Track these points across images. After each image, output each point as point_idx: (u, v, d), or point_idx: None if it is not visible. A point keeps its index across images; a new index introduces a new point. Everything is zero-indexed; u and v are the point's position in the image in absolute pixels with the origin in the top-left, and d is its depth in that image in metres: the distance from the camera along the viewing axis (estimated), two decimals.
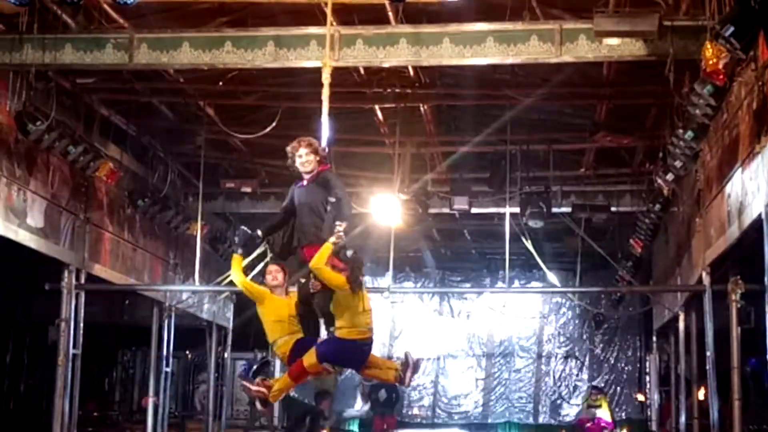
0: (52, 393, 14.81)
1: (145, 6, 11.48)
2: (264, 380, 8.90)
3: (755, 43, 9.57)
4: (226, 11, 12.48)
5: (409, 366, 8.91)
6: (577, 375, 26.83)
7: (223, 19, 12.52)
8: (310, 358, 8.53)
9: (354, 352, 8.71)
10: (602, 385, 25.41)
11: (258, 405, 9.00)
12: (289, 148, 8.77)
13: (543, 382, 26.94)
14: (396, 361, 9.26)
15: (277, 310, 8.85)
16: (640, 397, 25.51)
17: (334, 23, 11.46)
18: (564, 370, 26.99)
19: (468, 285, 27.24)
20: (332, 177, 8.75)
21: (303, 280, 8.76)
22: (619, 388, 26.32)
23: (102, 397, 25.32)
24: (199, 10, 12.44)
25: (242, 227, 9.28)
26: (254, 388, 8.80)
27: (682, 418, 17.71)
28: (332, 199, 8.48)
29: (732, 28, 9.11)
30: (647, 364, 24.88)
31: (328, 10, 9.86)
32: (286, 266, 8.96)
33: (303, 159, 8.65)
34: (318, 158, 8.66)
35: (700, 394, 17.09)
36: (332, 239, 8.23)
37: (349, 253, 8.69)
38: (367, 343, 8.77)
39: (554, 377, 27.01)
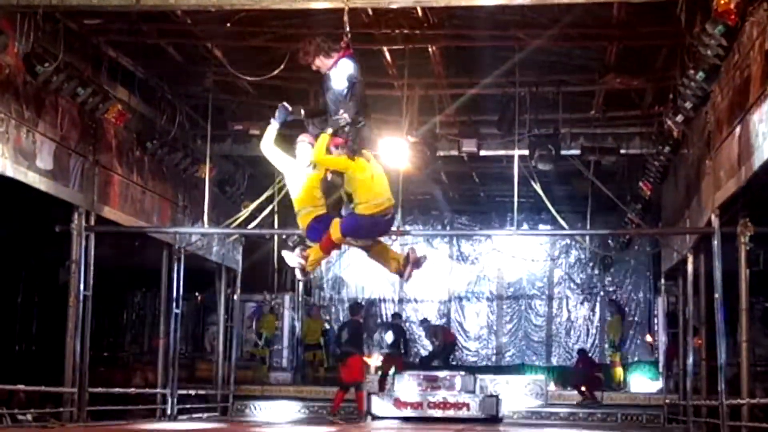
0: (63, 333, 14.91)
1: None
2: (303, 251, 9.23)
3: None
4: None
5: (410, 262, 9.32)
6: (588, 317, 26.93)
7: None
8: (335, 232, 8.93)
9: (373, 226, 9.10)
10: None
11: (298, 274, 9.36)
12: (301, 46, 9.19)
13: (554, 324, 27.05)
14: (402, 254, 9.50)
15: (307, 181, 9.12)
16: (649, 339, 25.64)
17: None
18: (574, 311, 27.09)
19: (477, 228, 27.28)
20: (347, 67, 9.00)
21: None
22: (629, 330, 26.40)
23: (113, 338, 25.54)
24: None
25: (283, 104, 9.45)
26: (296, 257, 9.14)
27: (690, 360, 17.79)
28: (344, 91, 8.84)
29: None
30: (656, 306, 24.94)
31: None
32: None
33: (317, 64, 9.10)
34: (331, 54, 8.96)
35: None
36: (328, 130, 8.51)
37: (342, 122, 8.91)
38: (386, 215, 9.11)
39: (565, 319, 27.11)
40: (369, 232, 9.21)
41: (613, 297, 26.27)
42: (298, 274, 9.39)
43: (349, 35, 9.19)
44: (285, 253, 9.35)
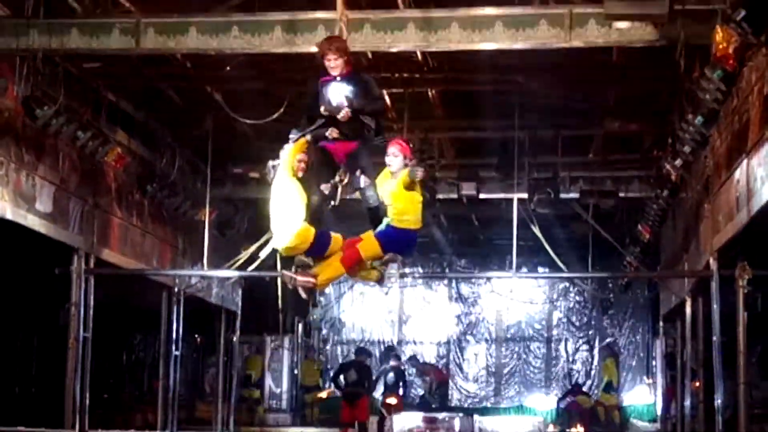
0: (63, 376, 14.85)
1: None
2: (306, 271, 8.83)
3: (766, 28, 9.53)
4: None
5: (388, 263, 9.06)
6: (587, 359, 26.86)
7: (230, 3, 12.48)
8: (371, 247, 8.76)
9: (407, 241, 8.98)
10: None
11: (302, 293, 9.00)
12: (319, 44, 8.96)
13: (553, 367, 26.98)
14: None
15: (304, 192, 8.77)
16: (648, 381, 25.56)
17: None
18: (574, 354, 27.02)
19: (476, 271, 27.28)
20: (369, 79, 9.02)
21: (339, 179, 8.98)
22: (627, 373, 26.33)
23: (113, 379, 25.42)
24: None
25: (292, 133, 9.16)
26: (302, 278, 8.76)
27: (687, 402, 17.73)
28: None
29: (743, 12, 9.09)
30: (654, 348, 24.89)
31: None
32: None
33: (332, 64, 8.78)
34: (346, 58, 8.81)
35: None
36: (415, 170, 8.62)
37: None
38: (418, 231, 9.06)
39: (564, 361, 27.04)
40: (404, 247, 9.04)
41: (607, 340, 26.21)
42: (303, 293, 9.02)
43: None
44: (285, 274, 8.96)
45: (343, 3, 10.67)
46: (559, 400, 24.48)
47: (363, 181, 8.89)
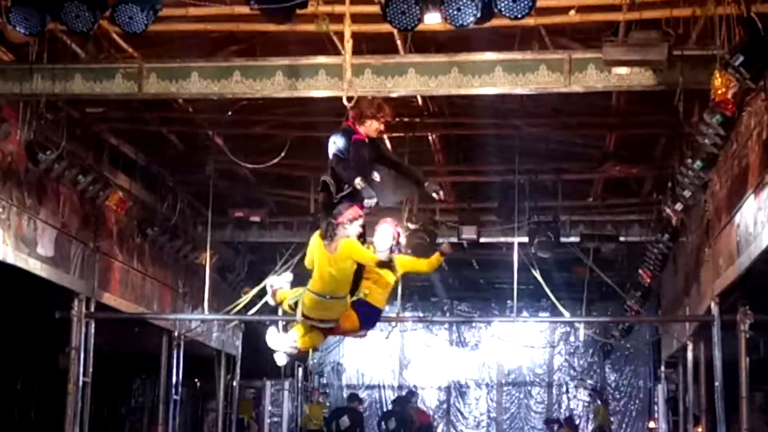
0: (62, 421, 14.78)
1: (154, 36, 11.52)
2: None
3: (765, 73, 9.58)
4: (235, 41, 12.52)
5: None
6: (588, 405, 26.74)
7: (232, 48, 12.55)
8: (351, 321, 8.78)
9: (377, 318, 9.16)
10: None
11: (282, 358, 9.13)
12: (378, 103, 8.87)
13: (554, 411, 26.84)
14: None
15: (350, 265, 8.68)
16: (652, 425, 25.42)
17: (344, 51, 11.52)
18: (574, 399, 26.91)
19: (477, 315, 27.22)
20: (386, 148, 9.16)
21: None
22: (628, 418, 26.21)
23: (112, 425, 25.28)
24: (209, 40, 12.48)
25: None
26: (288, 339, 8.91)
27: None
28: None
29: (741, 58, 9.12)
30: (656, 393, 24.79)
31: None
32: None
33: (375, 126, 8.77)
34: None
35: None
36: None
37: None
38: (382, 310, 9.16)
39: (565, 407, 26.92)
40: (373, 323, 9.21)
41: (589, 382, 26.12)
42: (282, 359, 9.14)
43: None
44: (273, 332, 8.99)
45: (341, 47, 10.78)
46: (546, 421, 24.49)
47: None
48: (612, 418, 25.83)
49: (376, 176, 8.84)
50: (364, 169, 8.61)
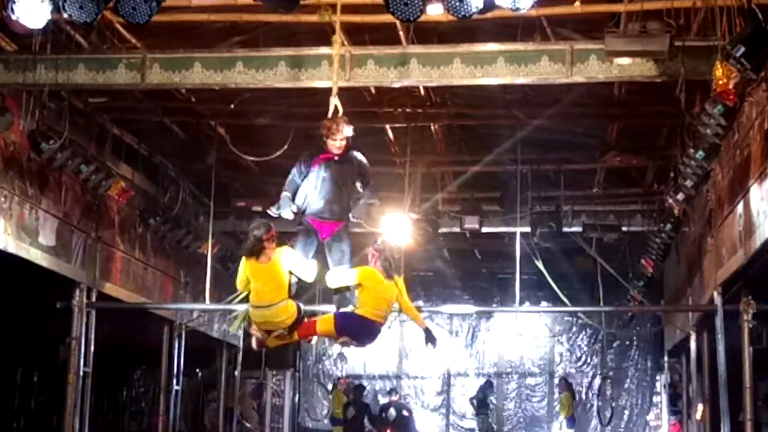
0: (62, 411, 14.81)
1: (158, 26, 11.51)
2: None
3: (766, 63, 9.58)
4: (238, 31, 12.53)
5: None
6: (589, 395, 26.74)
7: (235, 39, 12.56)
8: (327, 324, 9.16)
9: (368, 329, 9.26)
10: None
11: (254, 343, 9.42)
12: (328, 125, 9.14)
13: (555, 402, 26.86)
14: None
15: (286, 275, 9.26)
16: (651, 418, 25.46)
17: (345, 43, 11.52)
18: (576, 389, 26.91)
19: (479, 305, 27.22)
20: (363, 159, 9.31)
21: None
22: (630, 408, 26.23)
23: (112, 415, 25.31)
24: (212, 31, 12.49)
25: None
26: (257, 336, 9.26)
27: None
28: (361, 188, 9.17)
29: (743, 49, 9.12)
30: (658, 383, 24.82)
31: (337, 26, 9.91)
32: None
33: (338, 144, 9.12)
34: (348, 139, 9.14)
35: (698, 415, 17.11)
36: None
37: (380, 240, 9.57)
38: (381, 323, 9.35)
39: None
40: (360, 334, 9.30)
41: (560, 375, 26.09)
42: (255, 344, 9.45)
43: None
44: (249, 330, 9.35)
45: (344, 38, 10.80)
46: None
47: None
48: (614, 408, 25.79)
49: (359, 188, 9.23)
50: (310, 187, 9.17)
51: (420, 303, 26.61)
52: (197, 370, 24.83)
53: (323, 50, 11.27)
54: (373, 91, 14.05)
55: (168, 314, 18.14)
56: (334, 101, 9.35)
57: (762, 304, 13.16)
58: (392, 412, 22.99)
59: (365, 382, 26.76)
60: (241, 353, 22.25)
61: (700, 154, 12.07)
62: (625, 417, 26.05)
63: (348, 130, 9.15)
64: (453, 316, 27.38)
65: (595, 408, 25.49)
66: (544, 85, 12.82)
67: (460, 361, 27.45)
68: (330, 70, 11.01)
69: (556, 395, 26.25)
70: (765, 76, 10.14)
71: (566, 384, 25.14)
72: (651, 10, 10.32)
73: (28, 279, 14.54)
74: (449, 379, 27.44)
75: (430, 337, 9.98)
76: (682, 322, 18.04)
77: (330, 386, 25.94)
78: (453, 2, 8.86)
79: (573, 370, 27.00)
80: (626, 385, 26.38)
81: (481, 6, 8.91)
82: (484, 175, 17.91)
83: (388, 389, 25.74)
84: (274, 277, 9.04)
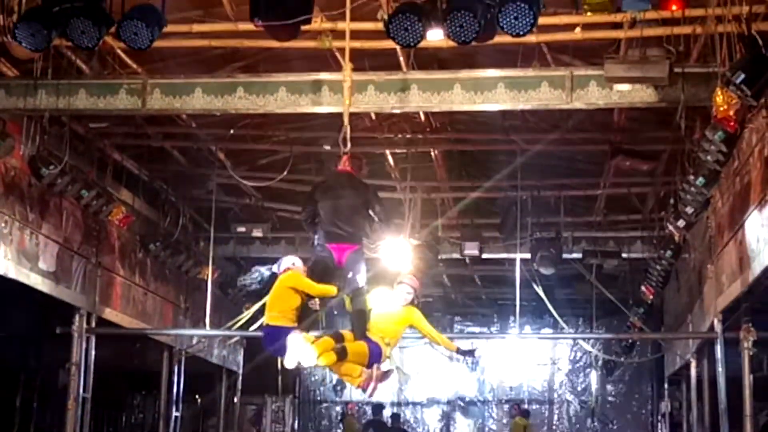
0: None
1: (159, 52, 11.56)
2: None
3: (766, 90, 9.60)
4: (239, 57, 12.58)
5: (374, 378, 8.95)
6: (589, 422, 26.66)
7: (236, 65, 12.60)
8: (362, 351, 8.82)
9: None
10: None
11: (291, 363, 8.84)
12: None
13: (555, 429, 26.78)
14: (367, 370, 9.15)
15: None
16: None
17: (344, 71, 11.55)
18: (576, 416, 26.83)
19: (479, 331, 27.17)
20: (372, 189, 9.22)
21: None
22: None
23: None
24: (213, 56, 12.53)
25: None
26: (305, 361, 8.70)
27: None
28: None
29: (743, 75, 9.14)
30: (659, 411, 24.72)
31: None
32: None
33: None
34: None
35: None
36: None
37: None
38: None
39: (566, 424, 26.85)
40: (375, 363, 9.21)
41: (519, 403, 25.95)
42: (292, 363, 8.76)
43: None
44: (297, 337, 8.67)
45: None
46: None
47: (358, 281, 8.87)
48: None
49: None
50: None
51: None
52: (197, 397, 24.76)
53: (323, 76, 11.30)
54: (373, 116, 14.07)
55: (168, 340, 18.12)
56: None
57: (762, 331, 13.13)
58: None
59: (366, 409, 26.71)
60: (240, 379, 22.19)
61: (701, 180, 12.07)
62: None
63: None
64: (452, 341, 27.25)
65: None
66: (544, 111, 12.84)
67: (460, 387, 27.36)
68: (331, 96, 11.08)
69: (505, 421, 26.29)
70: (765, 103, 10.15)
71: (519, 410, 24.90)
72: (651, 36, 10.35)
73: (28, 304, 14.53)
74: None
75: (466, 353, 10.19)
76: (683, 350, 18.00)
77: (334, 413, 25.84)
78: (453, 28, 8.87)
79: (570, 397, 26.91)
80: (627, 412, 26.26)
81: (481, 32, 8.92)
82: (484, 200, 17.92)
83: (390, 414, 25.72)
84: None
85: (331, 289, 8.86)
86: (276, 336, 8.71)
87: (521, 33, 8.94)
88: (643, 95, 10.86)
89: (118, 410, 25.62)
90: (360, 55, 11.91)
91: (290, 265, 8.94)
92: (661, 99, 10.80)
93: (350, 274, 8.91)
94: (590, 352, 24.98)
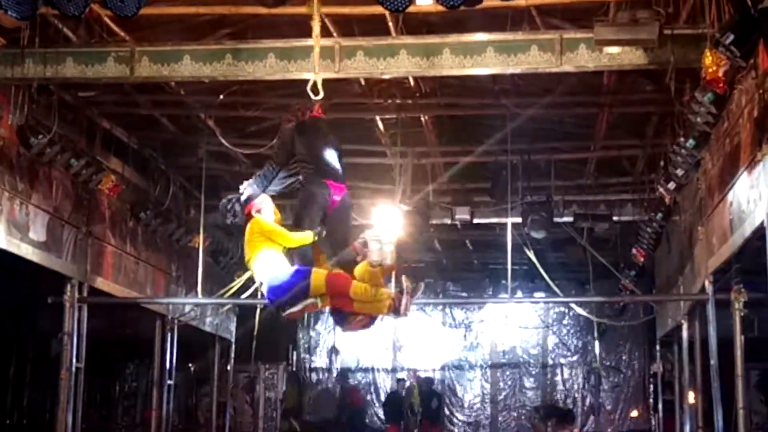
0: (55, 406, 14.79)
1: (146, 19, 11.49)
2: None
3: (755, 51, 9.59)
4: (227, 24, 12.51)
5: (404, 292, 8.46)
6: (583, 385, 26.78)
7: (224, 31, 12.54)
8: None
9: None
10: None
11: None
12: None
13: (549, 392, 26.90)
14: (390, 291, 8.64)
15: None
16: (634, 414, 25.54)
17: (334, 34, 11.52)
18: (569, 379, 26.95)
19: (471, 296, 27.23)
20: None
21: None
22: (623, 398, 26.28)
23: (105, 410, 25.32)
24: (201, 23, 12.47)
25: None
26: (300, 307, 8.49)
27: (687, 428, 17.67)
28: None
29: (732, 36, 9.13)
30: (651, 372, 24.84)
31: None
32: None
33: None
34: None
35: (691, 398, 17.15)
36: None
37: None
38: None
39: (560, 387, 26.97)
40: None
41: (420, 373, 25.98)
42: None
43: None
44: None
45: (333, 29, 10.78)
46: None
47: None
48: (606, 398, 25.89)
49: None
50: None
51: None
52: (190, 365, 24.83)
53: (312, 42, 11.23)
54: (362, 82, 14.03)
55: (160, 308, 18.12)
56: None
57: (753, 292, 13.16)
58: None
59: (359, 375, 26.85)
60: (233, 347, 22.24)
61: (691, 142, 12.09)
62: (620, 406, 26.07)
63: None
64: (445, 307, 27.37)
65: (588, 401, 25.64)
66: (534, 75, 12.82)
67: (454, 352, 27.44)
68: (320, 62, 11.02)
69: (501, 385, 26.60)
70: (754, 64, 10.14)
71: (425, 381, 24.95)
72: None
73: (19, 274, 14.52)
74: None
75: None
76: (674, 312, 18.05)
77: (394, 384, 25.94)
78: None
79: (563, 360, 27.02)
80: (618, 376, 26.40)
81: None
82: (475, 165, 17.91)
83: (397, 379, 25.80)
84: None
85: (306, 239, 8.57)
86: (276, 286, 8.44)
87: None
88: (632, 57, 10.85)
89: (112, 378, 25.73)
90: (349, 20, 11.90)
91: (254, 212, 8.86)
92: (650, 61, 10.80)
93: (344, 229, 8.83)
94: (583, 315, 25.07)
